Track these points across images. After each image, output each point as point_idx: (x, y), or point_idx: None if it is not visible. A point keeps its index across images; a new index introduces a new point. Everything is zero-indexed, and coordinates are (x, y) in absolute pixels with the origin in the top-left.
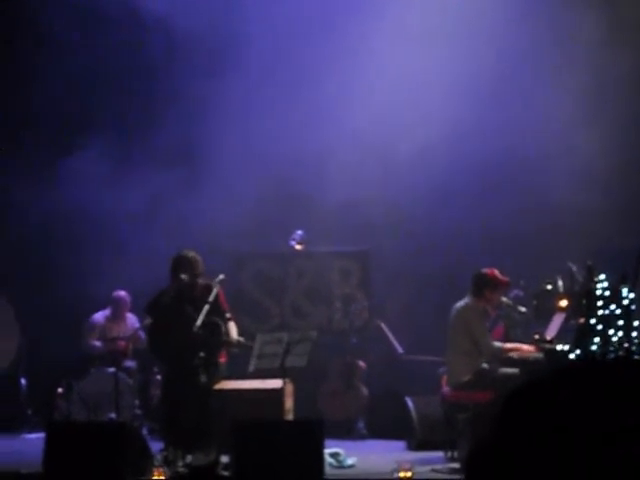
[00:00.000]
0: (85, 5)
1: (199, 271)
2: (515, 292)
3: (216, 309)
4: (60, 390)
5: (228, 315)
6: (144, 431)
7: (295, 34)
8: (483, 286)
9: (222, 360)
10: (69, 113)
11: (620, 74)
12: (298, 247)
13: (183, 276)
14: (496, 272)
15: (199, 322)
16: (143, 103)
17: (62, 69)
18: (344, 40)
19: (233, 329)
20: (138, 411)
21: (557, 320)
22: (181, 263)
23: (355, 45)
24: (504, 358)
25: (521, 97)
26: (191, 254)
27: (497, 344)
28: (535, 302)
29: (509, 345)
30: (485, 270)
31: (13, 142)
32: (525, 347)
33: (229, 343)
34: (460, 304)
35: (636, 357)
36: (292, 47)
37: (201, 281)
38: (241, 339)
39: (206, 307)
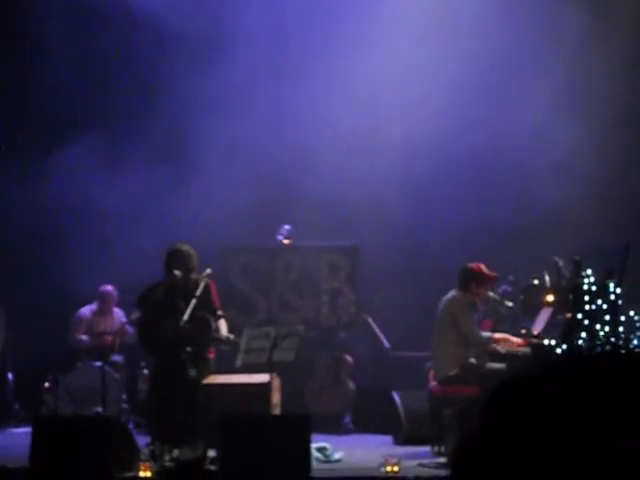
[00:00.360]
0: (76, 3)
1: (192, 265)
2: (504, 287)
3: (206, 305)
4: (47, 384)
5: (219, 312)
6: (131, 425)
7: (281, 31)
8: (469, 280)
9: (211, 356)
10: (59, 110)
11: (610, 70)
12: (286, 242)
13: (177, 272)
14: (482, 267)
15: (186, 317)
16: (132, 100)
17: (52, 66)
18: (331, 37)
19: (223, 326)
20: (125, 405)
21: (544, 315)
22: (175, 257)
23: (341, 42)
24: (491, 352)
25: (510, 94)
26: (185, 247)
27: (486, 334)
28: (522, 297)
29: (498, 335)
30: (471, 264)
31: (2, 138)
32: (514, 339)
33: (218, 339)
34: (446, 297)
35: (622, 351)
36: (279, 44)
37: (194, 276)
38: (230, 336)
39: (193, 301)
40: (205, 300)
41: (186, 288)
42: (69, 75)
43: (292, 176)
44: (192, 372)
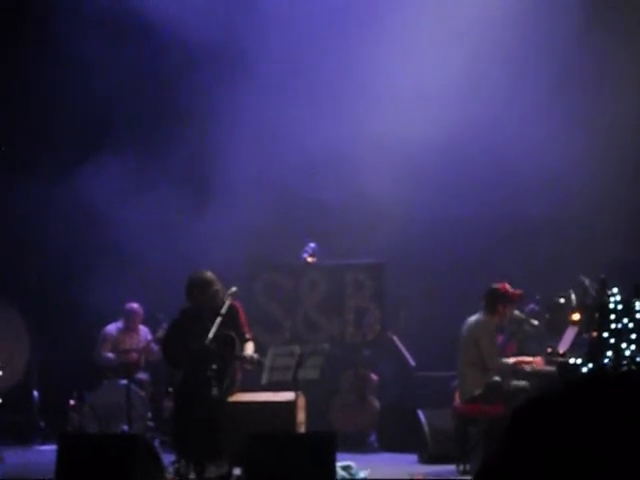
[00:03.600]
0: (106, 22)
1: (213, 290)
2: (531, 306)
3: (234, 326)
4: (72, 402)
5: (248, 336)
6: (156, 443)
7: (297, 46)
8: (496, 302)
9: (237, 374)
10: (88, 125)
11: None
12: (310, 260)
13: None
14: (507, 286)
15: (211, 335)
16: (158, 118)
17: (83, 83)
18: (357, 45)
19: (250, 348)
20: (150, 423)
21: (570, 333)
22: (194, 284)
23: (365, 50)
24: (517, 371)
25: (536, 109)
26: (204, 274)
27: (504, 361)
28: (548, 316)
29: (512, 360)
30: (496, 285)
31: (31, 152)
32: (528, 359)
33: (242, 358)
34: (472, 319)
35: None
36: (302, 54)
37: (221, 298)
38: (255, 355)
39: (218, 319)
40: (233, 322)
41: (215, 310)
42: (100, 92)
43: (315, 193)
44: (215, 390)
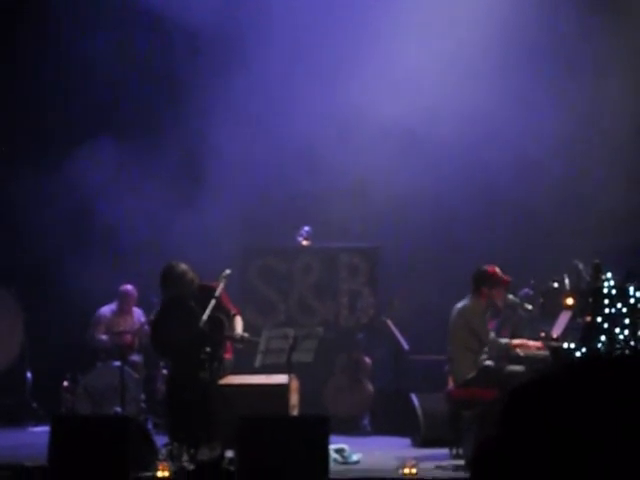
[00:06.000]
0: (99, 11)
1: (187, 280)
2: (525, 290)
3: (218, 306)
4: (66, 383)
5: (233, 312)
6: (149, 425)
7: (301, 31)
8: (481, 283)
9: (228, 356)
10: (80, 115)
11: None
12: (305, 243)
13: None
14: (497, 269)
15: (205, 317)
16: (152, 108)
17: (80, 77)
18: (351, 32)
19: (239, 324)
20: (143, 405)
21: (563, 318)
22: (168, 275)
23: (360, 36)
24: (511, 355)
25: (546, 96)
26: (176, 267)
27: (503, 340)
28: (542, 300)
29: (516, 341)
30: (485, 267)
31: (28, 143)
32: (531, 343)
33: (232, 338)
34: (460, 304)
35: None
36: (298, 42)
37: (200, 282)
38: (245, 334)
39: (212, 302)
40: (216, 302)
41: (197, 294)
42: (95, 83)
43: (311, 177)
44: (207, 372)
